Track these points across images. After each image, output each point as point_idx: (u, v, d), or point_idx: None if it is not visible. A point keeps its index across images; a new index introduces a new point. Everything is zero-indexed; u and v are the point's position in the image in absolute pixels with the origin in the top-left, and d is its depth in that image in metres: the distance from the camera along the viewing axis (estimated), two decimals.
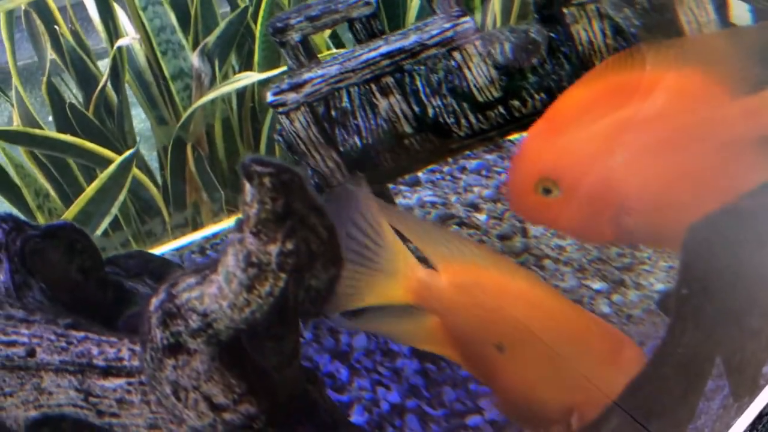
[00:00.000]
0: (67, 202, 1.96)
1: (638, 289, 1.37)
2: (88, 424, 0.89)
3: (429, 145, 1.22)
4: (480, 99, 1.19)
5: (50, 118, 2.06)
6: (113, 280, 1.03)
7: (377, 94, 1.19)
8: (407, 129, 1.20)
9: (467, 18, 1.15)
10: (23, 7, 2.01)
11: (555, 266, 1.43)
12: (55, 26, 2.03)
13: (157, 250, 1.68)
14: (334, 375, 1.28)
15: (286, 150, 1.24)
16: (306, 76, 1.17)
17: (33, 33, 2.07)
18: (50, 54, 2.02)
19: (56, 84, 2.04)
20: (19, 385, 0.90)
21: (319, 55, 1.26)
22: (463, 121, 1.20)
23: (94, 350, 0.87)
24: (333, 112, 1.21)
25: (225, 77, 2.08)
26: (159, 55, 2.03)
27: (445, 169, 1.77)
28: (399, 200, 1.67)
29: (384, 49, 1.16)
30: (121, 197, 1.80)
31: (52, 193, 2.00)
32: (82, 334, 0.89)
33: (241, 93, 2.13)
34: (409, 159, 1.24)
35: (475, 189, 1.69)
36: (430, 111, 1.19)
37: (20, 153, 1.98)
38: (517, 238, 1.52)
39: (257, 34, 2.03)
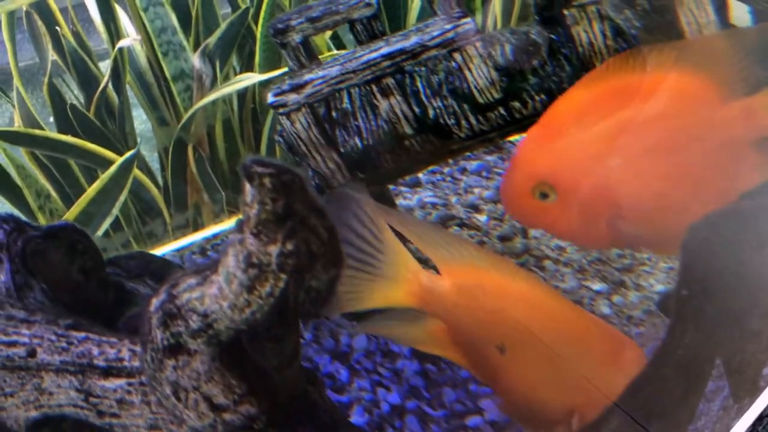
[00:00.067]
0: (68, 202, 1.97)
1: (638, 290, 1.37)
2: (88, 425, 0.89)
3: (429, 146, 1.22)
4: (480, 100, 1.19)
5: (51, 119, 2.06)
6: (114, 281, 1.03)
7: (378, 95, 1.19)
8: (408, 130, 1.21)
9: (468, 19, 1.15)
10: (25, 8, 2.01)
11: (555, 267, 1.43)
12: (57, 27, 2.04)
13: (158, 251, 1.68)
14: (334, 376, 1.28)
15: (287, 151, 1.24)
16: (307, 77, 1.17)
17: (34, 34, 2.08)
18: (51, 55, 2.02)
19: (57, 85, 2.04)
20: (19, 386, 0.90)
21: (319, 56, 1.26)
22: (463, 122, 1.20)
23: (95, 351, 0.87)
24: (334, 113, 1.21)
25: (226, 78, 2.09)
26: (160, 56, 2.04)
27: (446, 170, 1.77)
28: (399, 201, 1.67)
29: (385, 50, 1.16)
30: (122, 198, 1.80)
31: (53, 193, 2.00)
32: (82, 334, 0.89)
33: (242, 94, 2.13)
34: (410, 160, 1.24)
35: (476, 190, 1.69)
36: (431, 112, 1.19)
37: (21, 154, 1.98)
38: (518, 239, 1.52)
39: (258, 35, 2.04)
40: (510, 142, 1.67)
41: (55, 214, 1.97)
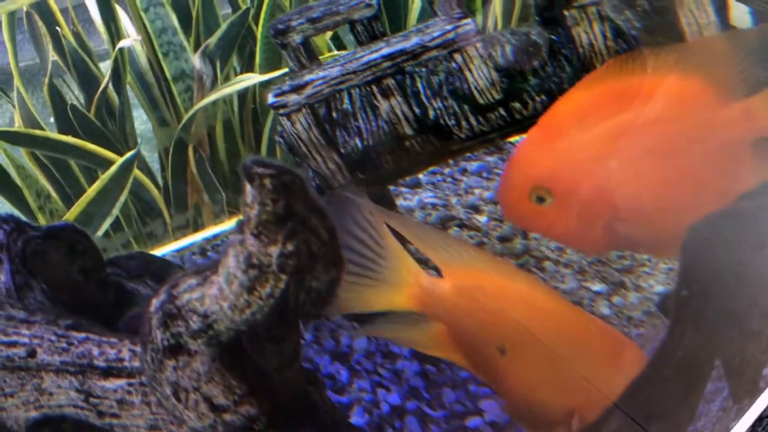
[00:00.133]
0: (69, 203, 1.97)
1: (638, 291, 1.37)
2: (88, 425, 0.89)
3: (430, 146, 1.22)
4: (481, 101, 1.19)
5: (52, 120, 2.06)
6: (114, 281, 1.03)
7: (378, 96, 1.19)
8: (408, 131, 1.21)
9: (468, 20, 1.16)
10: (25, 9, 2.01)
11: (555, 268, 1.44)
12: (57, 28, 2.04)
13: (158, 251, 1.68)
14: (334, 376, 1.28)
15: (287, 151, 1.24)
16: (307, 77, 1.17)
17: (35, 34, 2.08)
18: (52, 55, 2.03)
19: (58, 85, 2.04)
20: (19, 386, 0.90)
21: (320, 57, 1.26)
22: (463, 123, 1.20)
23: (95, 351, 0.87)
24: (334, 114, 1.22)
25: (226, 79, 2.09)
26: (160, 56, 2.04)
27: (446, 170, 1.77)
28: (400, 202, 1.67)
29: (385, 50, 1.16)
30: (123, 198, 1.80)
31: (54, 194, 2.00)
32: (82, 334, 0.89)
33: (242, 94, 2.13)
34: (410, 161, 1.24)
35: (476, 191, 1.69)
36: (431, 113, 1.20)
37: (22, 154, 1.98)
38: (518, 240, 1.52)
39: (258, 35, 2.04)
40: (510, 142, 1.67)
41: (55, 214, 1.97)
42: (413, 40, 1.16)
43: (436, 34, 1.15)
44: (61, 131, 1.99)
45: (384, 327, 1.11)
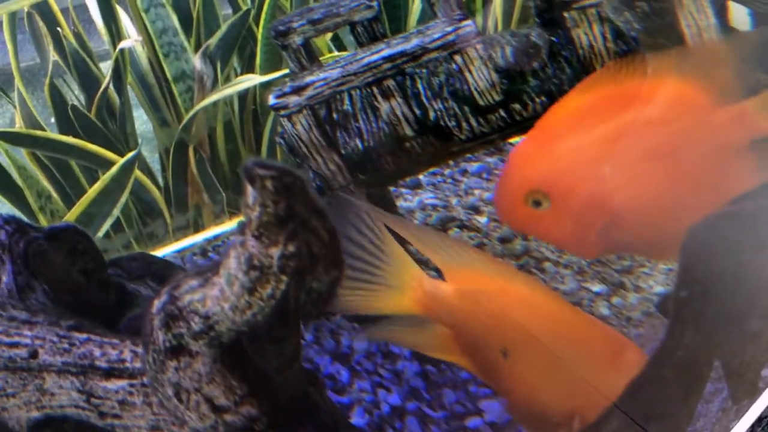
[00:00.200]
0: (69, 203, 1.97)
1: (638, 292, 1.37)
2: (90, 426, 0.90)
3: (430, 148, 1.22)
4: (481, 102, 1.19)
5: (52, 120, 2.06)
6: (115, 282, 1.04)
7: (379, 97, 1.19)
8: (408, 132, 1.21)
9: (469, 21, 1.16)
10: (26, 9, 2.01)
11: (555, 269, 1.44)
12: (58, 28, 2.04)
13: (159, 252, 1.68)
14: (334, 377, 1.29)
15: (288, 152, 1.24)
16: (308, 79, 1.17)
17: (36, 35, 2.08)
18: (53, 56, 2.03)
19: (58, 86, 2.04)
20: (21, 386, 0.90)
21: (320, 58, 1.27)
22: (464, 124, 1.20)
23: (97, 352, 0.88)
24: (335, 115, 1.22)
25: (227, 79, 2.09)
26: (161, 57, 2.04)
27: (446, 171, 1.77)
28: (400, 203, 1.67)
29: (386, 52, 1.16)
30: (123, 199, 1.81)
31: (54, 194, 2.00)
32: (84, 335, 0.89)
33: (242, 95, 2.13)
34: (411, 162, 1.24)
35: (476, 192, 1.69)
36: (432, 114, 1.20)
37: (22, 154, 1.99)
38: (518, 241, 1.52)
39: (259, 36, 2.04)
40: (510, 143, 1.67)
41: (56, 214, 1.97)
42: (414, 42, 1.16)
43: (436, 35, 1.15)
44: (61, 132, 2.00)
45: (387, 330, 1.11)
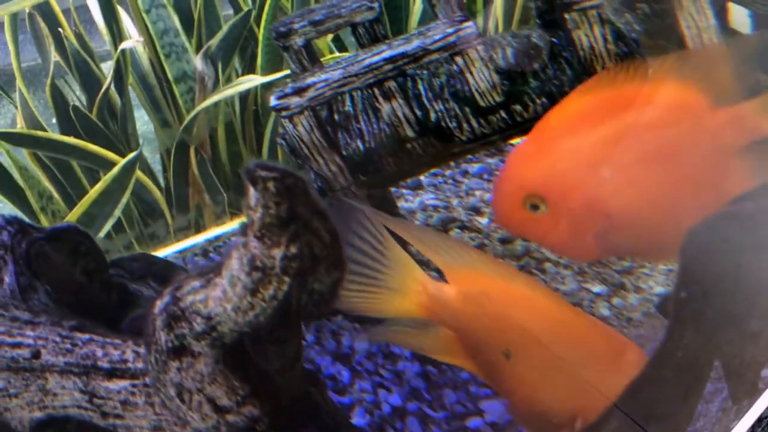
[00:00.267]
0: (71, 204, 1.97)
1: (638, 293, 1.38)
2: (92, 426, 0.90)
3: (431, 149, 1.22)
4: (482, 103, 1.20)
5: (54, 121, 2.06)
6: (117, 283, 1.04)
7: (380, 99, 1.19)
8: (409, 133, 1.21)
9: (470, 23, 1.16)
10: (27, 10, 2.02)
11: (555, 269, 1.44)
12: (59, 29, 2.04)
13: (160, 253, 1.68)
14: (335, 377, 1.29)
15: (289, 153, 1.24)
16: (309, 80, 1.17)
17: (37, 35, 2.08)
18: (54, 56, 2.03)
19: (60, 86, 2.04)
20: (24, 387, 0.91)
21: (321, 59, 1.27)
22: (465, 125, 1.20)
23: (99, 352, 0.88)
24: (336, 116, 1.22)
25: (228, 80, 2.09)
26: (162, 57, 2.04)
27: (447, 172, 1.77)
28: (401, 203, 1.67)
29: (387, 53, 1.16)
30: (124, 200, 1.81)
31: (56, 195, 2.00)
32: (86, 336, 0.90)
33: (244, 96, 2.14)
34: (412, 163, 1.24)
35: (477, 193, 1.69)
36: (433, 115, 1.20)
37: (24, 155, 1.99)
38: (518, 242, 1.52)
39: (260, 37, 2.04)
40: (511, 144, 1.67)
41: (57, 215, 1.97)
42: (415, 43, 1.16)
43: (437, 36, 1.16)
44: (63, 132, 2.00)
45: (389, 331, 1.11)
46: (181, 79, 2.06)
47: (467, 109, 1.20)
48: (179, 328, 0.76)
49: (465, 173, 1.76)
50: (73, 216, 1.77)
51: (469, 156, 1.49)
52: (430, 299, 1.04)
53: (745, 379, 0.92)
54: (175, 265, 1.22)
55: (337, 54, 2.08)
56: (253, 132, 2.19)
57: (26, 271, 0.95)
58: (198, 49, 2.05)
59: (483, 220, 1.60)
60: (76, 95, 2.17)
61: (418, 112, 1.20)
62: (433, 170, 1.66)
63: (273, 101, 1.18)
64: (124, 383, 0.86)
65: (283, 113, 1.18)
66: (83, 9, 2.16)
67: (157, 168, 2.27)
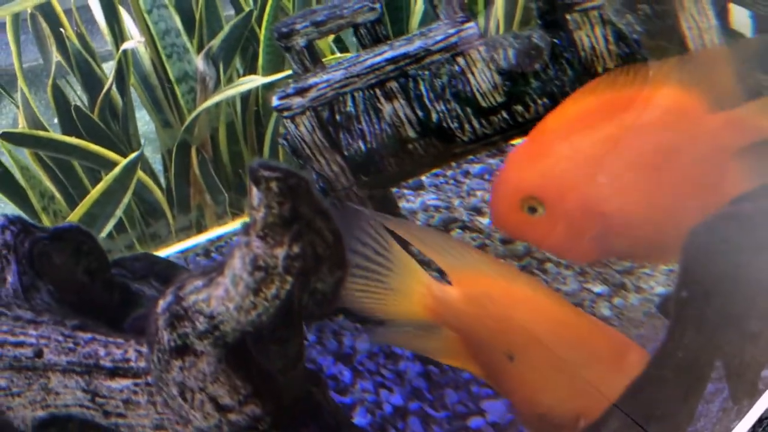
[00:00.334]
0: (72, 204, 1.97)
1: (639, 293, 1.38)
2: (94, 425, 0.90)
3: (433, 149, 1.22)
4: (483, 104, 1.20)
5: (55, 121, 2.06)
6: (120, 282, 1.04)
7: (381, 99, 1.19)
8: (411, 133, 1.21)
9: (471, 24, 1.16)
10: (29, 10, 2.02)
11: (557, 270, 1.44)
12: (61, 29, 2.04)
13: (162, 253, 1.68)
14: (337, 377, 1.29)
15: (291, 154, 1.24)
16: (311, 80, 1.18)
17: (39, 35, 2.09)
18: (56, 56, 2.03)
19: (61, 86, 2.04)
20: (26, 386, 0.91)
21: (323, 60, 1.27)
22: (466, 125, 1.20)
23: (101, 351, 0.88)
24: (338, 117, 1.22)
25: (229, 81, 2.09)
26: (164, 58, 2.04)
27: (449, 173, 1.78)
28: (402, 204, 1.68)
29: (389, 54, 1.17)
30: (126, 200, 1.81)
31: (57, 195, 2.00)
32: (89, 335, 0.90)
33: (245, 96, 2.14)
34: (413, 163, 1.24)
35: (478, 193, 1.69)
36: (434, 116, 1.20)
37: (25, 155, 1.99)
38: (520, 242, 1.52)
39: (261, 37, 2.04)
40: (512, 145, 1.67)
41: (58, 215, 1.97)
42: (416, 44, 1.16)
43: (439, 37, 1.16)
44: (64, 132, 2.00)
45: (393, 334, 1.11)
46: (182, 79, 2.06)
47: (469, 110, 1.20)
48: (182, 327, 0.76)
49: (466, 174, 1.77)
50: (74, 216, 1.77)
51: (471, 156, 1.50)
52: (435, 301, 1.04)
53: (746, 380, 0.92)
54: (177, 265, 1.23)
55: (338, 55, 2.08)
56: (255, 132, 2.19)
57: (29, 271, 0.96)
58: (199, 50, 2.05)
59: (484, 221, 1.60)
60: (77, 95, 2.17)
61: (420, 113, 1.20)
62: (434, 171, 1.66)
63: (275, 101, 1.18)
64: (126, 382, 0.87)
65: (285, 113, 1.18)
66: (85, 9, 2.16)
67: (158, 168, 2.27)
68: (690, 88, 1.03)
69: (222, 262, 0.74)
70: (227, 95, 1.96)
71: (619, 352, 1.00)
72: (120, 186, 1.79)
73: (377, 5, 1.22)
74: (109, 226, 1.81)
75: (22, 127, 2.01)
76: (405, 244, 1.06)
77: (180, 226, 2.10)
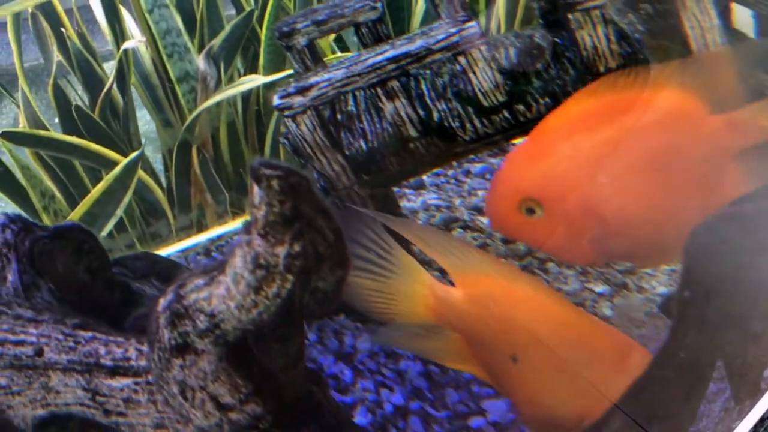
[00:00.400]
0: (73, 203, 1.97)
1: (641, 293, 1.38)
2: (95, 423, 0.90)
3: (434, 148, 1.22)
4: (485, 103, 1.20)
5: (56, 120, 2.06)
6: (120, 281, 1.04)
7: (383, 98, 1.19)
8: (412, 133, 1.21)
9: (473, 23, 1.16)
10: (30, 10, 2.02)
11: (558, 269, 1.44)
12: (62, 28, 2.04)
13: (162, 252, 1.69)
14: (338, 376, 1.29)
15: (292, 153, 1.24)
16: (312, 79, 1.17)
17: (40, 35, 2.08)
18: (56, 56, 2.03)
19: (62, 86, 2.04)
20: (27, 384, 0.91)
21: (324, 59, 1.27)
22: (468, 125, 1.20)
23: (102, 350, 0.88)
24: (339, 116, 1.22)
25: (230, 80, 2.09)
26: (165, 57, 2.04)
27: (450, 172, 1.78)
28: (404, 203, 1.68)
29: (390, 53, 1.17)
30: (127, 199, 1.81)
31: (58, 194, 2.00)
32: (89, 333, 0.90)
33: (246, 96, 2.14)
34: (414, 162, 1.24)
35: (479, 192, 1.69)
36: (436, 115, 1.20)
37: (26, 154, 1.99)
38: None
39: (262, 37, 2.04)
40: (514, 144, 1.67)
41: (59, 214, 1.97)
42: (418, 43, 1.16)
43: (440, 36, 1.16)
44: (65, 132, 2.00)
45: (395, 335, 1.11)
46: (183, 79, 2.06)
47: (470, 109, 1.20)
48: (183, 325, 0.76)
49: (467, 173, 1.77)
50: (75, 215, 1.77)
51: (472, 156, 1.50)
52: (437, 302, 1.04)
53: (748, 380, 0.92)
54: (178, 264, 1.23)
55: (339, 54, 2.08)
56: (256, 132, 2.19)
57: (30, 270, 0.96)
58: (200, 49, 2.05)
59: (485, 220, 1.60)
60: (78, 95, 2.17)
61: (421, 112, 1.20)
62: (435, 170, 1.66)
63: (276, 101, 1.18)
64: (126, 381, 0.87)
65: (286, 113, 1.18)
66: (86, 9, 2.16)
67: (159, 168, 2.27)
68: (691, 91, 1.03)
69: (223, 261, 0.74)
70: (228, 95, 1.96)
71: (621, 352, 1.00)
72: (121, 185, 1.79)
73: (378, 4, 1.22)
74: (110, 226, 1.81)
75: (22, 126, 2.01)
76: (407, 244, 1.06)
77: (181, 225, 2.10)
